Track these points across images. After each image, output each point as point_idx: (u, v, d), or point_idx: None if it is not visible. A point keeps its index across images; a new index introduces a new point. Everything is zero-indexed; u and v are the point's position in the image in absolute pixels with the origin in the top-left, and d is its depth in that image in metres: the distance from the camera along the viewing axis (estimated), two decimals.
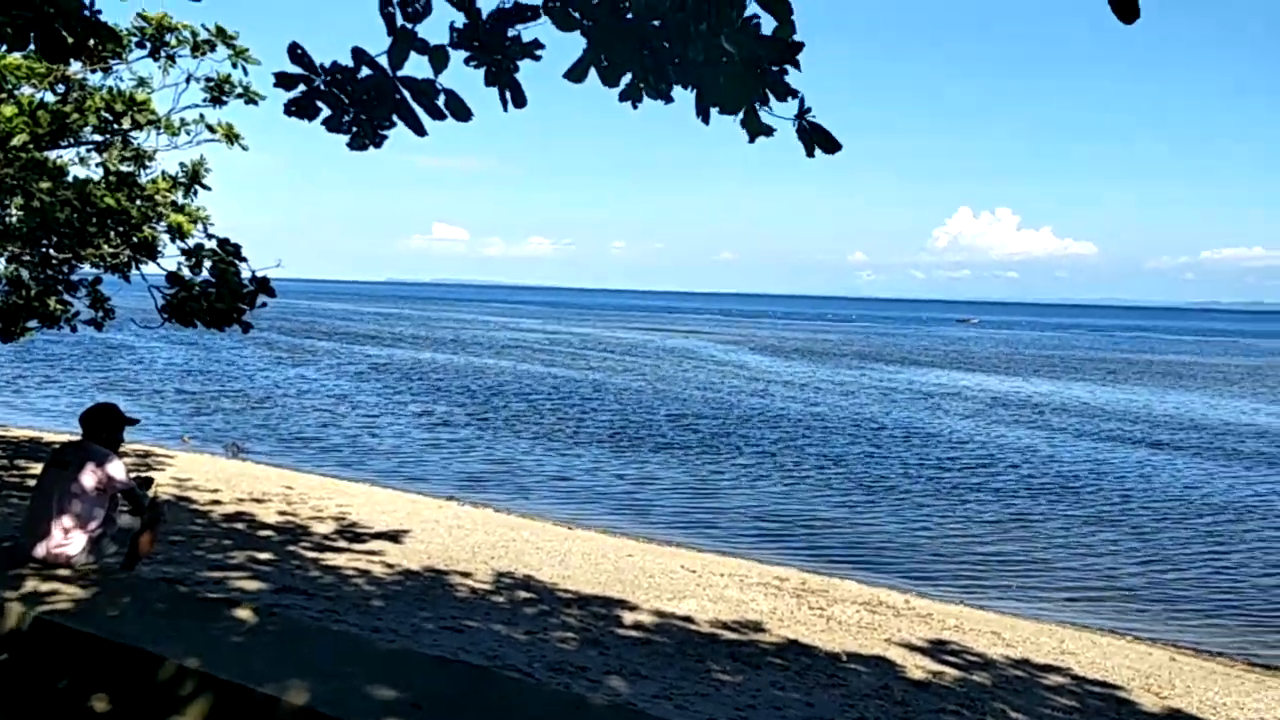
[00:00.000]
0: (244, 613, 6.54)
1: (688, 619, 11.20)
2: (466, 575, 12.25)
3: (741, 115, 5.54)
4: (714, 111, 5.58)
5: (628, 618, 10.94)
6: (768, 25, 5.02)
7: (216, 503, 15.52)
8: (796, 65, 5.11)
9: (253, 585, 10.23)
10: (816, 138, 5.25)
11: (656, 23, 5.16)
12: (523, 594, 11.56)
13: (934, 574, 16.77)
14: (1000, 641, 11.81)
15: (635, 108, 5.45)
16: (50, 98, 12.78)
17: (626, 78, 5.38)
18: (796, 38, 5.07)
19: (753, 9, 5.05)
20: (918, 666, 10.22)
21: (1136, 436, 34.10)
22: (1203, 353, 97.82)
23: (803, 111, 5.22)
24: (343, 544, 13.34)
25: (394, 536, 14.21)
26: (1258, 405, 46.60)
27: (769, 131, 5.44)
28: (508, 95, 5.74)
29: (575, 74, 5.33)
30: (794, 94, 5.16)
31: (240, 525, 13.86)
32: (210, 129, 13.45)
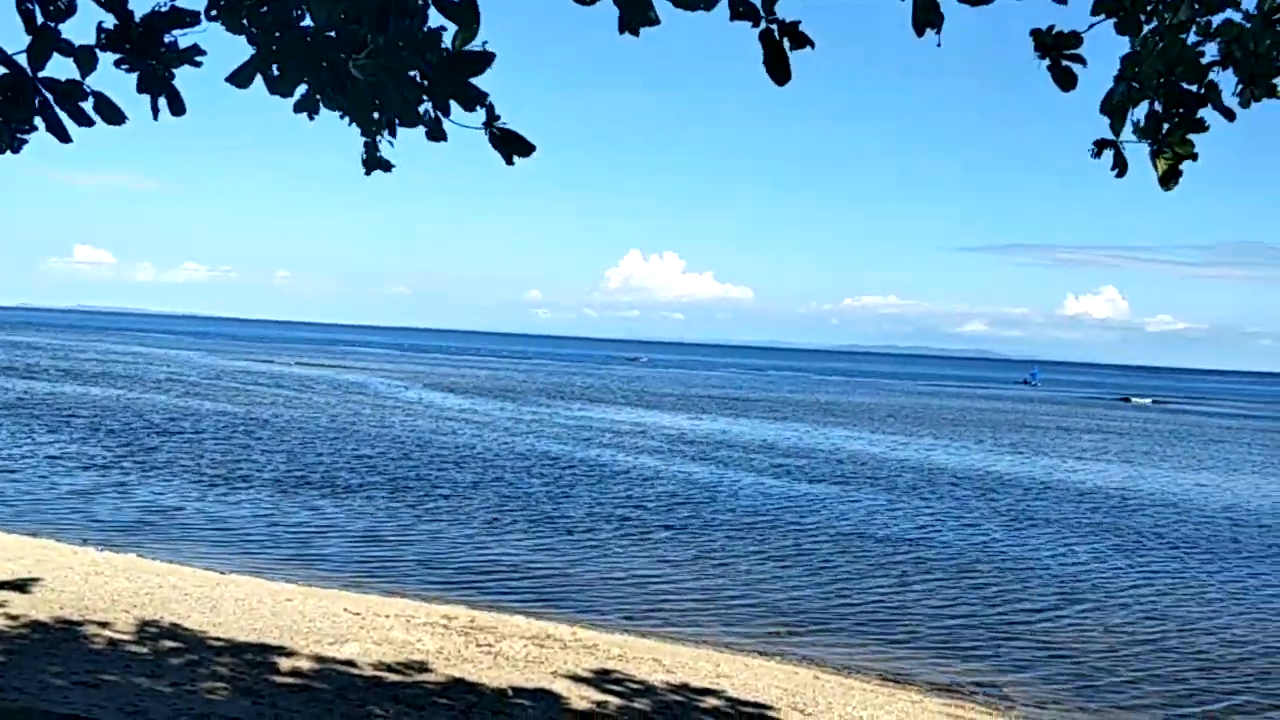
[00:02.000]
0: None
1: (350, 663, 10.83)
2: (104, 625, 11.30)
3: (364, 148, 5.40)
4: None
5: (285, 664, 10.44)
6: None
7: None
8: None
9: None
10: (510, 143, 5.19)
11: (332, 34, 4.99)
12: (168, 644, 10.79)
13: (602, 605, 17.13)
14: (661, 668, 12.18)
15: (311, 119, 5.25)
16: None
17: (302, 89, 5.17)
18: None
19: (439, 19, 4.95)
20: (582, 697, 10.35)
21: (798, 471, 36.34)
22: (852, 392, 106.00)
23: (492, 118, 5.15)
24: None
25: (20, 586, 12.90)
26: (906, 440, 50.93)
27: (387, 166, 5.36)
28: (161, 103, 5.39)
29: (240, 79, 5.07)
30: (482, 101, 5.07)
31: None
32: None
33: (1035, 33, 5.98)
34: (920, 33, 5.28)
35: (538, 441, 40.78)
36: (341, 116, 5.07)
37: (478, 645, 12.36)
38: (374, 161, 5.26)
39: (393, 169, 5.31)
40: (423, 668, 11.01)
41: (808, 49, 5.21)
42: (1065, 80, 5.99)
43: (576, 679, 11.16)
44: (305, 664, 10.56)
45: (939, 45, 5.40)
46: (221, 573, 16.36)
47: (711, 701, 10.89)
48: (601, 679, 11.28)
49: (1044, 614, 18.52)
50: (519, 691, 10.35)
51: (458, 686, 10.31)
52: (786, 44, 5.25)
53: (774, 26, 5.19)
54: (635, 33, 4.74)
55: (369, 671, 10.57)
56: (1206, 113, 6.03)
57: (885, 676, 14.09)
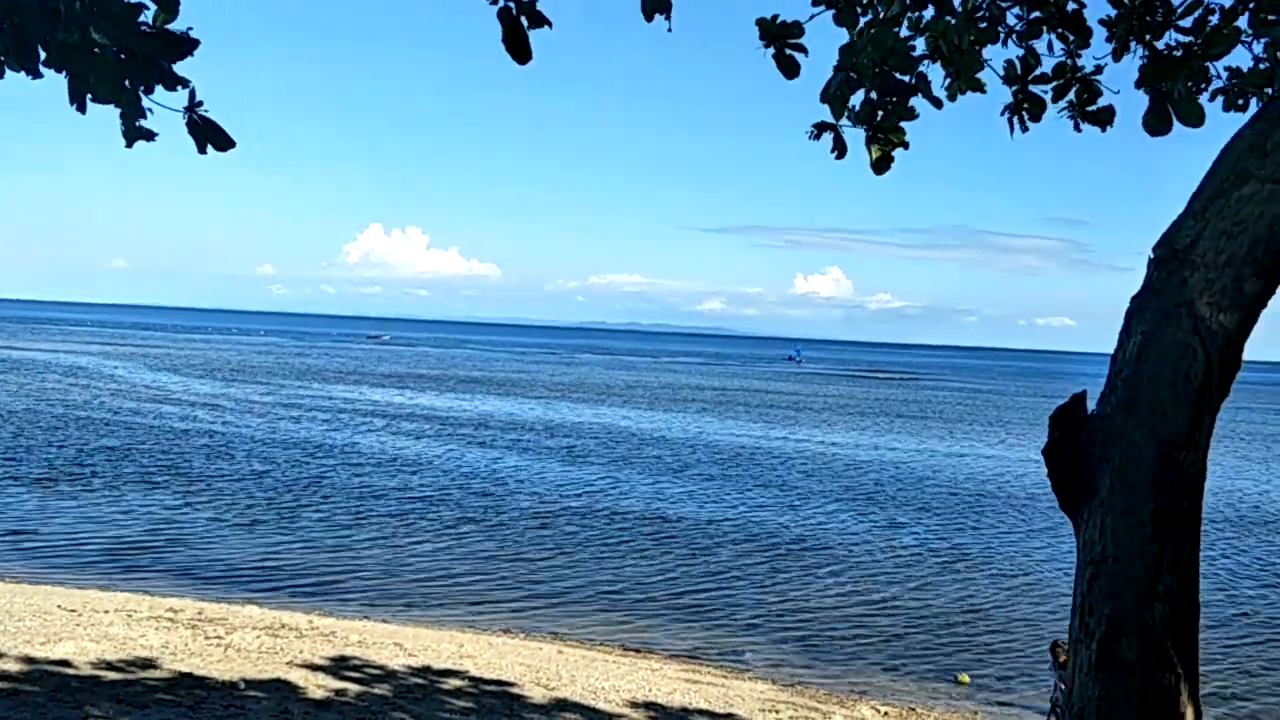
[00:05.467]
0: None
1: (64, 663, 10.11)
2: None
3: (121, 119, 5.07)
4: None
5: None
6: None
7: None
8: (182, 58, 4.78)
9: None
10: (208, 133, 4.94)
11: None
12: None
13: (344, 593, 16.72)
14: (403, 652, 11.99)
15: None
16: None
17: None
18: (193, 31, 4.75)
19: None
20: (319, 686, 10.06)
21: (552, 450, 36.51)
22: (607, 367, 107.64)
23: (194, 104, 4.89)
24: None
25: None
26: (669, 416, 51.92)
27: (150, 136, 5.05)
28: None
29: None
30: (184, 84, 4.81)
31: None
32: None
33: (760, 22, 6.18)
34: (649, 18, 5.34)
35: (280, 426, 39.27)
36: (35, 78, 4.66)
37: (207, 638, 11.79)
38: (135, 132, 4.86)
39: (156, 138, 4.94)
40: (146, 664, 10.41)
41: (545, 28, 5.17)
42: (789, 68, 6.21)
43: (313, 668, 10.83)
44: (13, 666, 9.79)
45: (669, 30, 5.47)
46: None
47: (454, 682, 10.81)
48: (339, 666, 11.00)
49: (783, 580, 19.33)
50: (251, 683, 9.95)
51: (185, 681, 9.81)
52: (525, 22, 5.19)
53: (512, 4, 5.11)
54: None
55: (86, 671, 9.90)
56: (917, 102, 6.42)
57: (627, 647, 14.40)
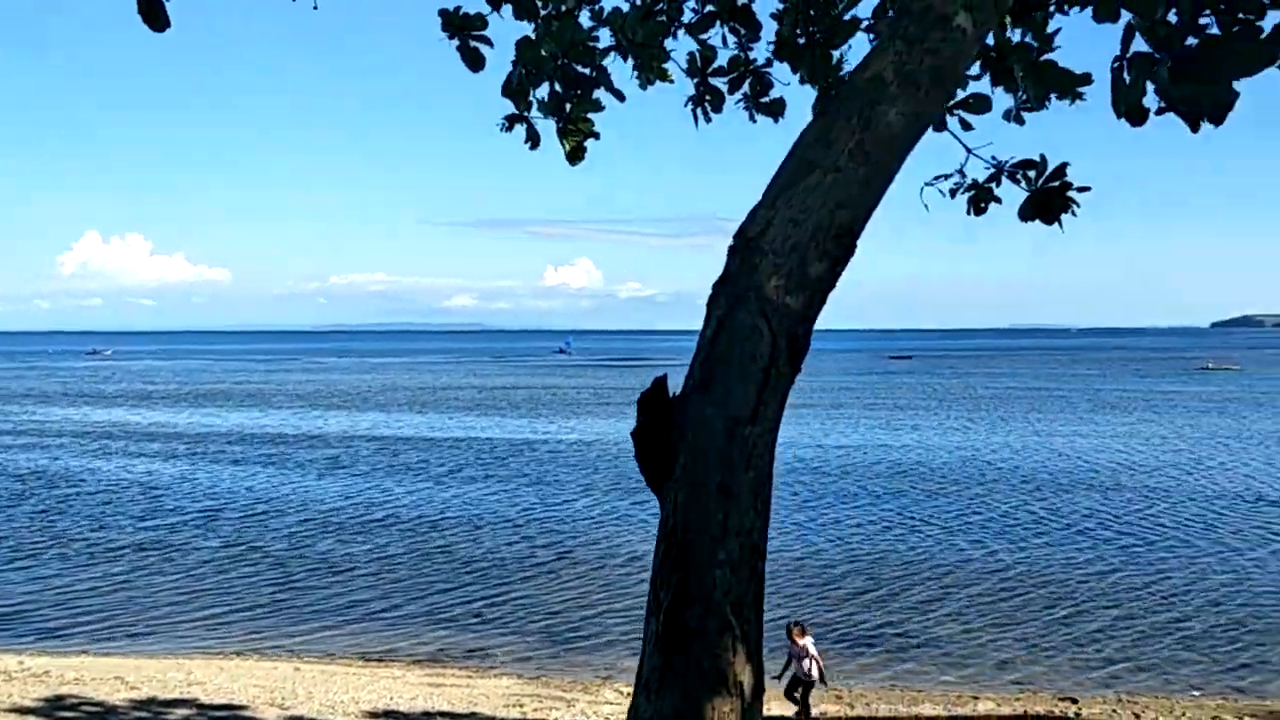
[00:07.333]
0: None
1: None
2: None
3: None
4: None
5: None
6: None
7: None
8: None
9: None
10: None
11: None
12: None
13: (63, 630, 15.59)
14: (125, 685, 11.31)
15: None
16: None
17: None
18: None
19: None
20: None
21: (308, 460, 35.22)
22: (357, 370, 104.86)
23: None
24: None
25: None
26: (429, 418, 50.74)
27: None
28: None
29: None
30: None
31: None
32: None
33: (443, 13, 6.08)
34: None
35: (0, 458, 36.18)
36: None
37: None
38: None
39: None
40: None
41: None
42: (474, 61, 6.16)
43: (22, 711, 10.06)
44: None
45: (315, 8, 5.31)
46: None
47: (180, 712, 10.28)
48: (54, 707, 10.26)
49: (537, 575, 19.20)
50: None
51: None
52: None
53: None
54: None
55: None
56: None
57: (369, 658, 14.03)
